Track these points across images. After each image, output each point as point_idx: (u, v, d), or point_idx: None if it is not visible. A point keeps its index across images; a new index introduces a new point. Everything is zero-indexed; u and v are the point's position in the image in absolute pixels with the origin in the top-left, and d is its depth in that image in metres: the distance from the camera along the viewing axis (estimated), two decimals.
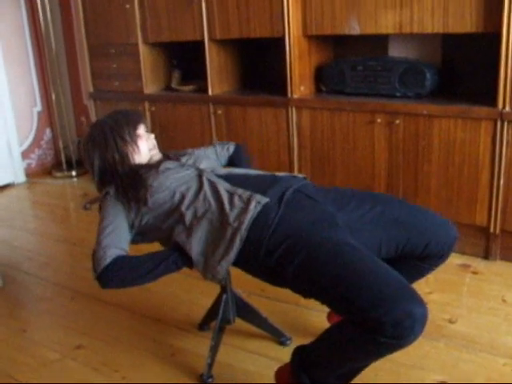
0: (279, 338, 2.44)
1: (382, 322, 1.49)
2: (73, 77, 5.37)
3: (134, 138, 2.18)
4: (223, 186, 2.00)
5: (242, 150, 2.61)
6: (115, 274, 1.91)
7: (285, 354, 2.34)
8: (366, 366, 1.76)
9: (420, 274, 2.13)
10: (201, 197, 1.98)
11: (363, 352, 1.62)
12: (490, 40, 2.88)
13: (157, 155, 2.26)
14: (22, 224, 4.15)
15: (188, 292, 2.92)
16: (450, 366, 2.22)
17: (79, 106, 5.44)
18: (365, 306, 1.53)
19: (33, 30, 5.21)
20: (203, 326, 2.57)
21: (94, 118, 4.68)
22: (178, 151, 2.41)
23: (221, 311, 2.28)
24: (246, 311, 2.43)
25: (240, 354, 2.38)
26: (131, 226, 2.06)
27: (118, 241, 1.98)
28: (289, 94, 3.45)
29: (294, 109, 3.46)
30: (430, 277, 2.45)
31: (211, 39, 3.71)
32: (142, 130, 2.24)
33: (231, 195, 1.95)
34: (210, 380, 2.21)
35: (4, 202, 4.77)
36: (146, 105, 4.19)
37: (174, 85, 4.21)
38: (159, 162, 2.16)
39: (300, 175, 2.22)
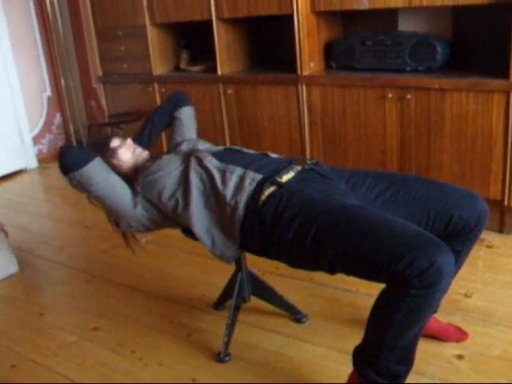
0: (295, 316, 2.44)
1: (407, 274, 1.51)
2: (81, 61, 5.36)
3: (111, 153, 2.24)
4: (213, 164, 2.00)
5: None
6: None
7: (301, 331, 2.36)
8: (417, 333, 1.71)
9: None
10: (190, 177, 1.99)
11: (404, 313, 1.60)
12: (501, 11, 2.84)
13: (142, 152, 2.30)
14: (35, 209, 4.18)
15: (203, 272, 2.93)
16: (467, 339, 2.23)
17: (89, 89, 5.43)
18: (388, 261, 1.54)
19: (40, 15, 5.20)
20: (219, 305, 2.58)
21: (103, 102, 4.68)
22: (177, 141, 2.44)
23: (236, 290, 2.29)
24: (261, 289, 2.43)
25: (256, 332, 2.39)
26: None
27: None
28: (298, 72, 3.43)
29: (304, 86, 3.43)
30: None
31: (219, 18, 3.68)
32: (115, 142, 2.29)
33: (222, 172, 1.96)
34: (227, 358, 2.23)
35: (17, 187, 4.79)
36: (156, 86, 4.17)
37: (182, 65, 4.19)
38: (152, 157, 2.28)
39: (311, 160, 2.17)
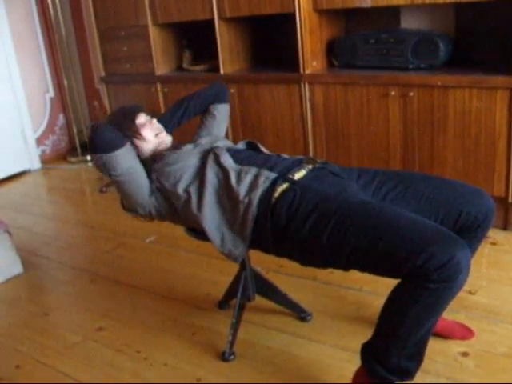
0: (299, 314, 2.44)
1: (426, 268, 1.52)
2: (84, 61, 5.36)
3: (134, 129, 2.20)
4: (228, 163, 2.00)
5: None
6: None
7: (305, 330, 2.36)
8: (429, 330, 1.72)
9: None
10: (206, 172, 1.99)
11: (420, 307, 1.60)
12: (504, 8, 2.84)
13: (166, 137, 2.28)
14: (39, 210, 4.18)
15: (207, 271, 2.93)
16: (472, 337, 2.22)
17: (91, 90, 5.44)
18: (407, 255, 1.55)
19: (42, 16, 5.20)
20: (223, 304, 2.58)
21: (106, 102, 4.68)
22: (201, 135, 2.42)
23: (240, 289, 2.29)
24: (266, 288, 2.43)
25: (261, 331, 2.39)
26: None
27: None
28: (301, 70, 3.42)
29: (306, 84, 3.43)
30: None
31: (221, 18, 3.68)
32: (142, 118, 2.25)
33: (238, 172, 1.96)
34: (231, 357, 2.23)
35: (21, 188, 4.80)
36: (159, 86, 4.17)
37: (185, 65, 4.19)
38: (172, 146, 2.23)
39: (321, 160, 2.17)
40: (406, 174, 2.11)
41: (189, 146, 2.17)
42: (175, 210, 2.09)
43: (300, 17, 3.30)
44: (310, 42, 3.39)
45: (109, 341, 2.46)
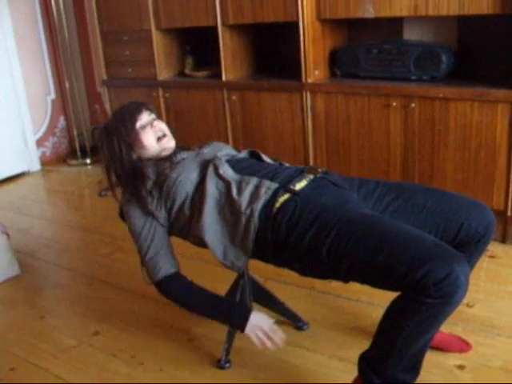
0: (296, 323, 2.44)
1: (424, 283, 1.51)
2: (86, 64, 5.37)
3: (133, 136, 2.13)
4: (228, 173, 1.97)
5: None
6: (168, 293, 2.08)
7: (302, 339, 2.36)
8: (426, 343, 1.73)
9: None
10: (206, 185, 1.95)
11: (418, 321, 1.60)
12: (507, 22, 2.85)
13: (168, 143, 2.18)
14: (38, 212, 4.18)
15: (204, 278, 2.90)
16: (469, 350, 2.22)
17: (93, 93, 5.44)
18: (406, 270, 1.55)
19: (45, 18, 5.20)
20: None
21: (107, 106, 4.68)
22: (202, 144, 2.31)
23: (238, 296, 2.28)
24: (263, 296, 2.43)
25: None
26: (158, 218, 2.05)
27: (161, 247, 2.06)
28: (303, 79, 3.43)
29: (308, 93, 3.43)
30: None
31: (224, 24, 3.68)
32: (144, 119, 2.16)
33: (238, 182, 1.94)
34: (227, 365, 2.22)
35: (20, 190, 4.79)
36: (160, 91, 4.17)
37: (187, 71, 4.20)
38: (173, 153, 2.15)
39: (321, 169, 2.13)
40: (408, 185, 2.10)
41: (189, 157, 2.11)
42: (182, 227, 2.07)
43: (303, 25, 3.31)
44: (313, 50, 3.40)
45: (104, 345, 2.45)
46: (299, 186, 1.91)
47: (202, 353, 2.33)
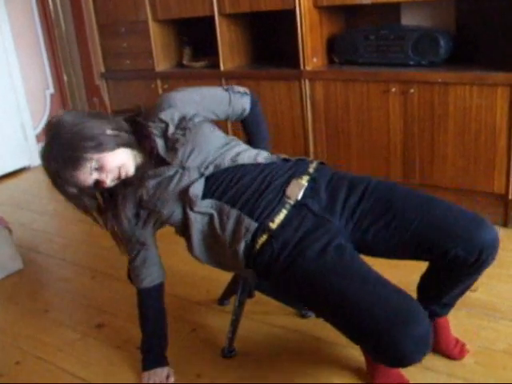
0: (300, 311, 2.44)
1: (375, 352, 1.58)
2: (84, 57, 5.35)
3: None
4: (204, 206, 1.88)
5: (258, 111, 2.41)
6: (140, 300, 2.26)
7: (306, 326, 2.36)
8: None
9: (455, 282, 1.92)
10: (189, 221, 1.91)
11: None
12: (505, 4, 2.83)
13: (129, 171, 1.97)
14: (39, 207, 4.18)
15: (206, 268, 2.90)
16: (472, 333, 2.23)
17: (91, 86, 5.43)
18: (358, 336, 1.61)
19: (42, 11, 5.19)
20: (223, 300, 2.58)
21: (106, 98, 4.68)
22: (174, 136, 2.00)
23: (240, 285, 2.28)
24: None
25: (261, 328, 2.39)
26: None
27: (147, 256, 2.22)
28: (301, 67, 3.42)
29: (307, 81, 3.43)
30: None
31: (221, 14, 3.67)
32: (81, 178, 2.03)
33: (219, 213, 1.87)
34: (231, 354, 2.23)
35: (21, 185, 4.80)
36: (159, 82, 4.16)
37: (185, 61, 4.19)
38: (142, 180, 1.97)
39: (315, 161, 2.03)
40: (398, 196, 1.88)
41: (163, 184, 1.95)
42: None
43: (300, 13, 3.30)
44: (311, 38, 3.38)
45: (108, 337, 2.46)
46: (278, 220, 1.81)
47: (206, 342, 2.34)
